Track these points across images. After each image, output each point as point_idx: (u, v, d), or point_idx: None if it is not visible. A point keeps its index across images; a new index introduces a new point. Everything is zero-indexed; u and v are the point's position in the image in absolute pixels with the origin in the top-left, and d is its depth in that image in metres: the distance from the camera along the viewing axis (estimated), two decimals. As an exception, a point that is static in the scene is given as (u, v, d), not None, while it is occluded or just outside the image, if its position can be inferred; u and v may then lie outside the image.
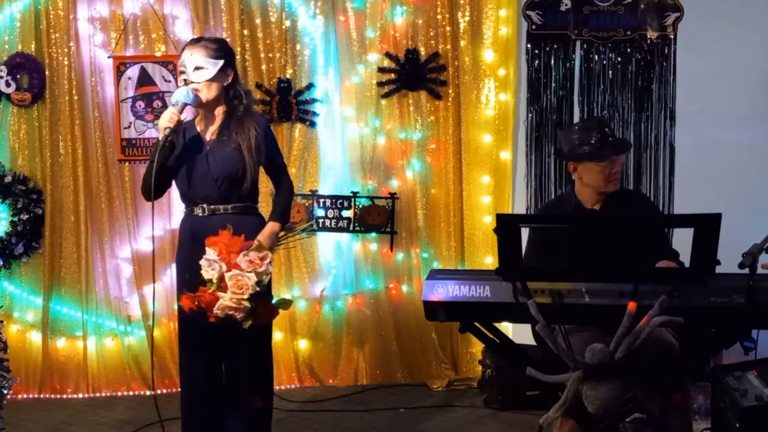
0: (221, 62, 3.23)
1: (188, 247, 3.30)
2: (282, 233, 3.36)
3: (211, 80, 3.22)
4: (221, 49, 3.29)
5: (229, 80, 3.30)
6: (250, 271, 2.96)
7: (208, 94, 3.23)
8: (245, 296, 2.95)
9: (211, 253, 2.99)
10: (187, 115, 3.28)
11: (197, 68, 3.21)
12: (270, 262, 3.04)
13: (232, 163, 3.25)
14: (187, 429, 3.41)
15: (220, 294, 2.95)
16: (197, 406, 3.34)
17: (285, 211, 3.40)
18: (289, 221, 3.45)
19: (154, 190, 3.24)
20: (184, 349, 3.37)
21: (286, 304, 3.19)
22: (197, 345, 3.30)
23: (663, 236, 3.33)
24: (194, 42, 3.31)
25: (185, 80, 3.22)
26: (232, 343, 3.26)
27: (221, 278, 2.96)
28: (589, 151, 3.32)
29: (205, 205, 3.27)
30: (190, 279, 3.18)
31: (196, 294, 3.00)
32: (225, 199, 3.27)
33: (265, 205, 3.55)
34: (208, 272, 2.98)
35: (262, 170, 3.40)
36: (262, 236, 3.20)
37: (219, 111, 3.31)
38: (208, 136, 3.30)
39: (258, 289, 2.98)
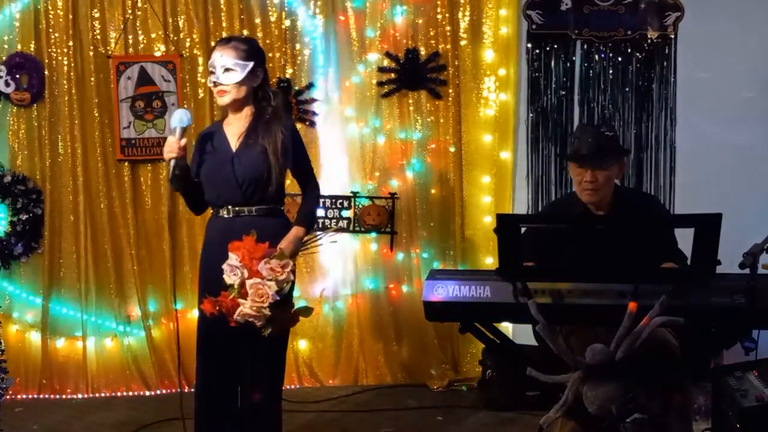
0: (251, 64, 3.19)
1: (211, 248, 3.28)
2: (307, 237, 3.31)
3: (240, 82, 3.19)
4: (251, 50, 3.25)
5: (259, 81, 3.26)
6: (270, 279, 2.94)
7: (236, 95, 3.20)
8: (265, 305, 2.93)
9: (233, 258, 2.98)
10: (185, 140, 3.23)
11: (227, 70, 3.17)
12: (292, 270, 3.02)
13: (257, 166, 3.21)
14: (201, 429, 3.39)
15: (240, 301, 2.94)
16: (212, 406, 3.33)
17: (310, 215, 3.36)
18: (314, 226, 3.42)
19: (192, 205, 3.42)
20: (201, 350, 3.34)
21: (306, 312, 3.16)
22: (216, 346, 3.28)
23: (671, 240, 3.29)
24: (225, 42, 3.26)
25: (215, 82, 3.19)
26: (250, 346, 3.24)
27: (242, 284, 2.95)
28: (570, 151, 3.34)
29: (230, 207, 3.25)
30: (210, 281, 3.17)
31: (217, 298, 2.98)
32: (249, 202, 3.24)
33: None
34: (230, 277, 2.97)
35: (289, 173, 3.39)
36: (286, 242, 3.17)
37: (247, 112, 3.28)
38: (235, 138, 3.27)
39: (278, 297, 2.96)
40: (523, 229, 2.94)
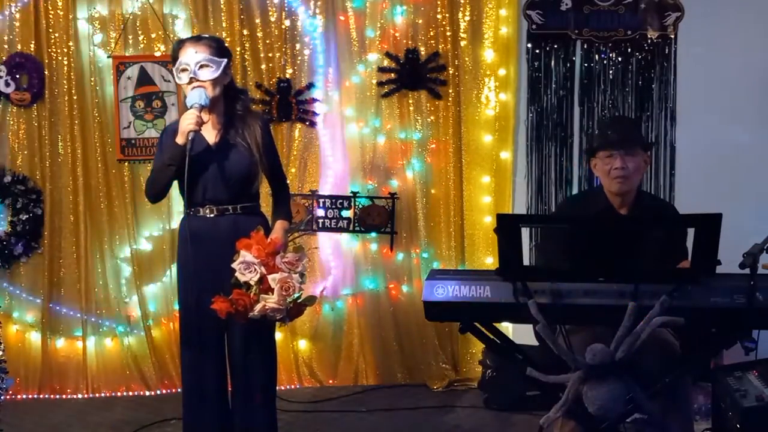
0: (225, 61, 3.21)
1: (193, 249, 3.24)
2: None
3: (215, 80, 3.19)
4: (222, 48, 3.27)
5: (228, 80, 3.29)
6: (294, 273, 3.00)
7: (212, 93, 3.19)
8: (291, 297, 2.98)
9: (248, 256, 2.99)
10: (208, 117, 3.23)
11: (203, 66, 3.16)
12: (304, 262, 3.08)
13: (244, 161, 3.23)
14: (191, 428, 3.39)
15: (263, 296, 2.96)
16: (204, 405, 3.33)
17: (290, 209, 3.43)
18: (292, 219, 3.45)
19: (162, 193, 3.30)
20: (188, 349, 3.34)
21: (311, 300, 3.19)
22: (205, 344, 3.28)
23: (681, 248, 3.29)
24: (196, 40, 3.25)
25: (191, 78, 3.16)
26: (239, 341, 3.25)
27: (261, 280, 2.97)
28: (598, 139, 3.30)
29: (212, 206, 3.24)
30: (198, 281, 3.18)
31: (231, 297, 2.98)
32: (234, 199, 3.24)
33: (264, 205, 3.53)
34: (245, 275, 2.97)
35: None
36: (276, 235, 3.18)
37: (220, 111, 3.29)
38: (211, 134, 3.27)
39: (302, 289, 3.03)
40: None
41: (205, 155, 3.22)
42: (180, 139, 3.12)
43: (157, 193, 3.32)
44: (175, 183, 3.27)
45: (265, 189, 3.46)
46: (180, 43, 3.26)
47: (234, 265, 3.00)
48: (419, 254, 5.01)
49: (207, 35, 3.49)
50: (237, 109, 3.28)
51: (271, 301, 2.96)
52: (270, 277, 2.97)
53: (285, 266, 3.00)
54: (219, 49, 3.24)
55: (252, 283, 2.97)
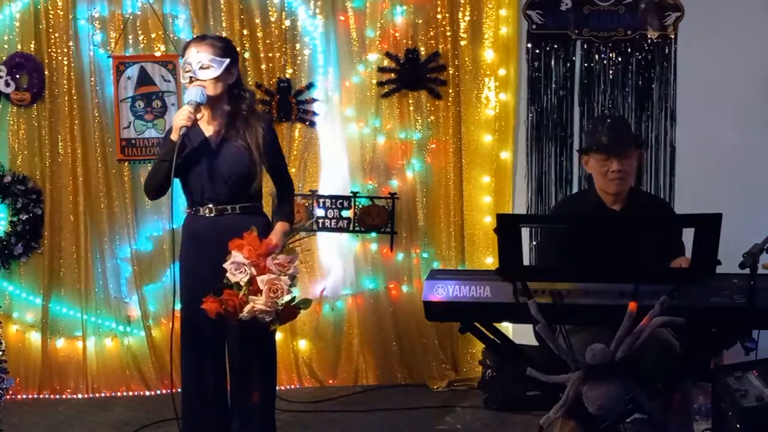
0: (227, 61, 3.22)
1: (194, 248, 3.28)
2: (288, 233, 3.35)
3: (217, 78, 3.20)
4: (227, 48, 3.28)
5: (233, 79, 3.29)
6: (283, 275, 2.99)
7: (213, 91, 3.20)
8: (280, 299, 2.97)
9: (239, 256, 2.99)
10: (201, 114, 3.24)
11: (204, 66, 3.17)
12: (296, 264, 3.07)
13: (243, 161, 3.23)
14: (190, 428, 3.39)
15: (252, 297, 2.96)
16: (203, 404, 3.33)
17: (292, 211, 3.40)
18: (294, 221, 3.45)
19: (159, 189, 3.28)
20: (188, 349, 3.35)
21: (306, 303, 3.19)
22: (204, 344, 3.29)
23: (678, 244, 3.29)
24: (200, 40, 3.27)
25: (191, 78, 3.19)
26: (238, 342, 3.26)
27: (251, 281, 2.97)
28: (592, 141, 3.32)
29: (211, 206, 3.25)
30: (198, 281, 3.18)
31: (221, 297, 2.99)
32: (233, 199, 3.24)
33: (266, 205, 3.53)
34: (236, 275, 2.97)
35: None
36: (276, 236, 3.18)
37: (222, 110, 3.29)
38: (212, 134, 3.28)
39: (292, 291, 3.02)
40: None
41: (202, 153, 3.24)
42: (174, 135, 3.14)
43: (155, 189, 3.32)
44: (178, 184, 3.27)
45: (266, 189, 3.46)
46: (187, 44, 3.30)
47: (226, 265, 3.00)
48: (419, 254, 5.01)
49: (212, 35, 3.49)
50: (241, 108, 3.28)
51: (259, 302, 2.95)
52: (259, 279, 2.96)
53: (275, 268, 2.99)
54: (223, 49, 3.24)
55: (242, 283, 2.97)
